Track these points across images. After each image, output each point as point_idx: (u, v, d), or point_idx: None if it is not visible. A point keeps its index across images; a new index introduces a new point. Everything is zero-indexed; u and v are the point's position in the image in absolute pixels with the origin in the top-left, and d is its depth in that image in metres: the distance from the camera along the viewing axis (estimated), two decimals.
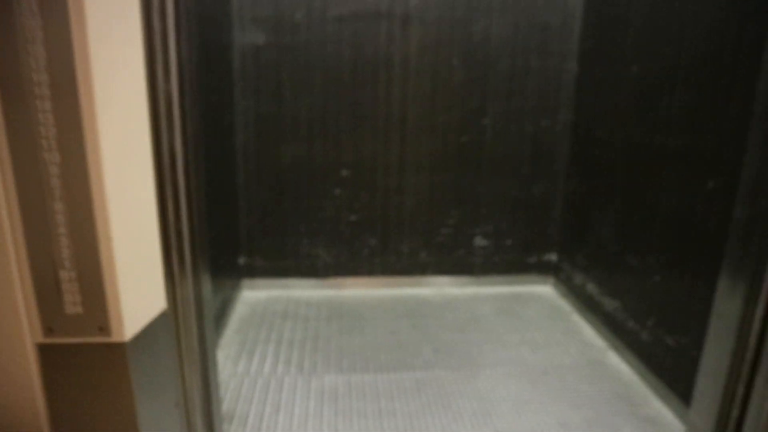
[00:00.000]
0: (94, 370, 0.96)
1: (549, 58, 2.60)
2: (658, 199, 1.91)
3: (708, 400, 1.30)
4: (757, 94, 1.28)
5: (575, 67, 2.61)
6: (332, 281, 2.78)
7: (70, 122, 0.84)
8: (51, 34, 0.81)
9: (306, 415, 1.73)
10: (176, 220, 1.07)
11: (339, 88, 2.53)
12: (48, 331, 0.92)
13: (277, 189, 2.64)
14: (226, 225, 2.38)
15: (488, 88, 2.60)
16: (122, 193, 0.93)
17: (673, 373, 1.79)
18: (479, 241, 2.82)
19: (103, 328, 0.92)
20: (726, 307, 1.27)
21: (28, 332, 0.92)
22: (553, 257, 2.88)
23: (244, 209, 2.65)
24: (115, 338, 0.94)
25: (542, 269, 2.90)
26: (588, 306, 2.47)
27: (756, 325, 1.15)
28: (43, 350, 0.94)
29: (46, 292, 0.90)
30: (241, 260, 2.71)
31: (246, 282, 2.74)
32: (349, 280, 2.80)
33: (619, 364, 2.08)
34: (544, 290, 2.84)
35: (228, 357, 2.07)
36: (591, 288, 2.44)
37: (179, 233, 1.08)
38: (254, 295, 2.67)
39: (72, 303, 0.91)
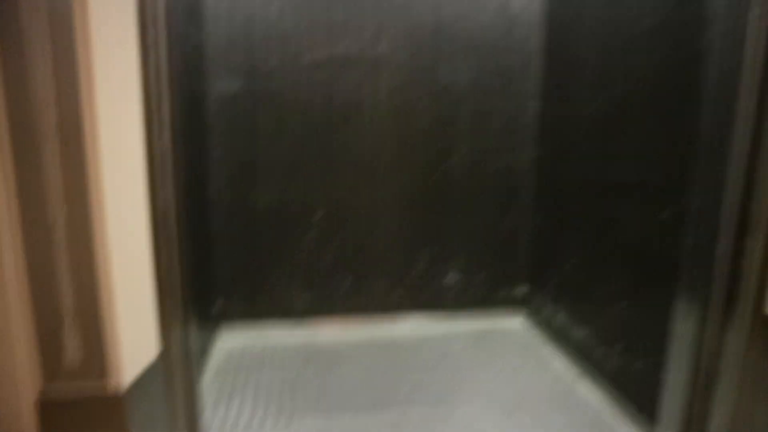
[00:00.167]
0: (93, 425, 0.98)
1: (512, 99, 2.74)
2: (618, 229, 2.02)
3: (671, 419, 1.37)
4: (701, 133, 1.42)
5: (537, 105, 2.75)
6: (308, 322, 2.78)
7: (76, 177, 0.92)
8: (63, 98, 0.91)
9: None
10: (169, 268, 1.10)
11: (312, 132, 2.61)
12: (50, 375, 0.95)
13: (251, 234, 2.66)
14: (202, 271, 2.38)
15: (455, 128, 2.72)
16: (122, 243, 0.98)
17: (641, 396, 1.86)
18: (451, 278, 2.88)
19: (103, 373, 0.95)
20: (682, 328, 1.35)
21: (30, 381, 0.95)
22: (523, 290, 2.96)
23: (219, 256, 2.65)
24: (113, 383, 0.96)
25: (513, 302, 2.97)
26: (559, 336, 2.54)
27: (708, 344, 1.24)
28: (43, 406, 0.96)
29: (49, 339, 0.94)
30: (217, 306, 2.69)
31: (222, 326, 2.72)
32: (325, 321, 2.80)
33: (589, 392, 2.14)
34: (515, 323, 2.91)
35: (207, 403, 2.03)
36: (561, 318, 2.52)
37: (172, 281, 1.11)
38: (231, 340, 2.64)
39: (73, 348, 0.93)
